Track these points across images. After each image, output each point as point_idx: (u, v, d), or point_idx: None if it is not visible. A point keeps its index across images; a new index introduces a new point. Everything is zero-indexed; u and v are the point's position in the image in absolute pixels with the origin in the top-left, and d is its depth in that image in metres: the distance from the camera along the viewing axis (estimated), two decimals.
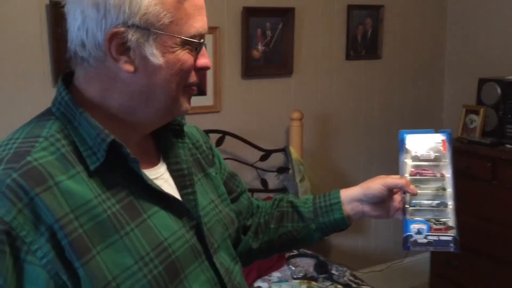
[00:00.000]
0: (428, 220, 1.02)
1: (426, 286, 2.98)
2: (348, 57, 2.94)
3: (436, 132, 1.11)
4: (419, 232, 1.01)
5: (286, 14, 2.63)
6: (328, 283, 2.18)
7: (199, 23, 0.84)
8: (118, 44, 0.80)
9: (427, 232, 1.01)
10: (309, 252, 2.47)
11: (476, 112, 2.75)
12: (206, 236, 0.93)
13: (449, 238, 1.01)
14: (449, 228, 1.02)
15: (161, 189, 0.87)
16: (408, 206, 1.04)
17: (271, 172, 2.64)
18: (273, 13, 2.61)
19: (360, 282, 2.26)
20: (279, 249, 1.18)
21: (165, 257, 0.83)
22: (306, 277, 2.23)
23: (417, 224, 1.01)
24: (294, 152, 2.59)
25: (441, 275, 2.84)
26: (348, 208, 1.11)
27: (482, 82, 2.76)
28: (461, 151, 2.67)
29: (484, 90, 2.74)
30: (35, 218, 0.74)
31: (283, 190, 2.62)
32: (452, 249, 1.02)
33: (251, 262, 1.18)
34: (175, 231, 0.87)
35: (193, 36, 0.83)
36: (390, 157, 3.18)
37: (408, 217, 1.03)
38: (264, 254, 1.18)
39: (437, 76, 3.30)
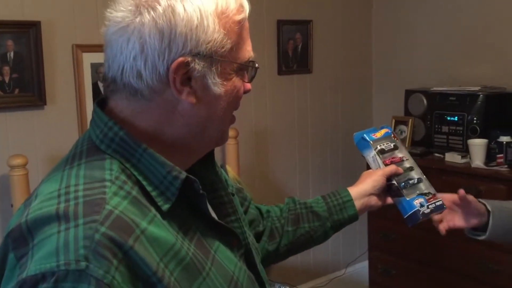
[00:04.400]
0: (422, 194, 1.19)
1: None
2: (280, 72, 2.94)
3: (379, 128, 1.30)
4: (421, 205, 1.17)
5: None
6: None
7: (250, 47, 0.83)
8: (182, 74, 0.74)
9: (426, 203, 1.18)
10: None
11: (405, 123, 2.83)
12: (257, 263, 0.92)
13: (440, 202, 1.21)
14: (435, 195, 1.21)
15: (221, 222, 0.84)
16: (401, 188, 1.19)
17: None
18: None
19: None
20: (297, 250, 1.21)
21: None
22: None
23: (417, 199, 1.18)
24: (231, 171, 2.53)
25: (380, 284, 2.88)
26: (358, 204, 1.20)
27: (408, 93, 2.85)
28: None
29: (411, 101, 2.83)
30: (131, 274, 0.66)
31: None
32: (445, 208, 1.23)
33: (268, 266, 1.18)
34: (236, 263, 0.84)
35: (248, 61, 0.81)
36: (324, 168, 3.24)
37: (407, 197, 1.18)
38: (282, 257, 1.20)
39: (366, 89, 3.38)
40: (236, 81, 0.80)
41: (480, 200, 1.32)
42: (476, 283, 2.39)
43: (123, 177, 0.74)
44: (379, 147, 1.24)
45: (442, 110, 2.65)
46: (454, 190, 2.44)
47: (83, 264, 0.63)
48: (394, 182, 1.19)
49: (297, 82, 3.03)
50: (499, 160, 2.35)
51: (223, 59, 0.77)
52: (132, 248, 0.66)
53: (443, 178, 2.50)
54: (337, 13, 3.16)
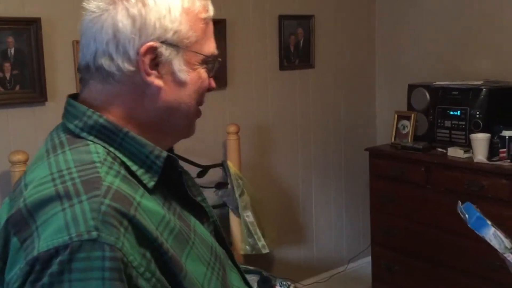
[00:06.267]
0: None
1: None
2: (281, 67, 2.93)
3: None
4: None
5: (217, 26, 2.56)
6: None
7: (213, 44, 0.89)
8: (150, 58, 0.81)
9: None
10: (252, 268, 2.41)
11: (408, 118, 2.81)
12: (225, 238, 1.00)
13: None
14: None
15: (196, 199, 0.92)
16: None
17: (210, 189, 2.56)
18: None
19: None
20: None
21: (219, 260, 0.89)
22: None
23: None
24: (232, 167, 2.53)
25: (382, 279, 2.87)
26: None
27: (411, 88, 2.83)
28: (395, 157, 2.72)
29: (414, 96, 2.81)
30: (137, 240, 0.72)
31: (222, 206, 2.56)
32: None
33: None
34: (210, 237, 0.91)
35: (210, 56, 0.88)
36: (327, 164, 3.23)
37: None
38: None
39: (369, 83, 3.36)
40: (201, 72, 0.87)
41: None
42: (479, 279, 2.37)
43: (109, 159, 0.79)
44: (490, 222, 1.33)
45: (445, 104, 2.63)
46: (456, 185, 2.43)
47: (94, 233, 0.68)
48: None
49: (299, 77, 3.02)
50: (502, 155, 2.33)
51: (188, 49, 0.84)
52: (134, 216, 0.72)
53: (445, 173, 2.49)
54: (339, 7, 3.14)
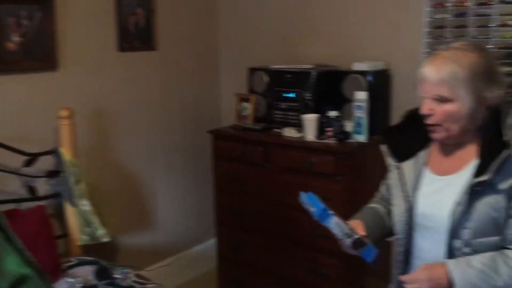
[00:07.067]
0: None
1: (214, 271, 3.07)
2: (121, 48, 2.81)
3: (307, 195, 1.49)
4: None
5: (44, 2, 2.38)
6: None
7: None
8: None
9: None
10: (90, 258, 2.31)
11: (248, 100, 2.90)
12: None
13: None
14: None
15: None
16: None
17: (41, 178, 2.39)
18: (28, 0, 2.34)
19: (145, 281, 2.20)
20: None
21: None
22: (85, 287, 2.08)
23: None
24: (66, 153, 2.38)
25: (228, 258, 2.95)
26: None
27: (251, 71, 2.92)
28: (236, 138, 2.79)
29: (254, 79, 2.90)
30: None
31: (56, 196, 2.40)
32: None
33: None
34: None
35: None
36: (174, 147, 3.20)
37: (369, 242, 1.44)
38: None
39: (213, 66, 3.39)
40: None
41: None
42: (312, 248, 2.54)
43: None
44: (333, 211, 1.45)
45: (281, 87, 2.76)
46: (291, 163, 2.57)
47: None
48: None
49: (141, 59, 2.93)
50: (328, 134, 2.51)
51: None
52: None
53: (281, 152, 2.62)
54: None
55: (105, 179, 2.74)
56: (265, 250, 2.77)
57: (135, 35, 2.89)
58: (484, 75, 1.35)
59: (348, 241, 1.42)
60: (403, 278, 1.39)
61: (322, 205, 1.44)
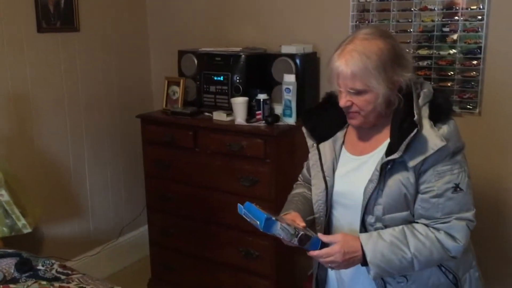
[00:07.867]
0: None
1: (147, 259, 3.03)
2: (40, 29, 2.67)
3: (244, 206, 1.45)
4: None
5: None
6: (30, 281, 1.97)
7: None
8: None
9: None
10: (10, 251, 2.20)
11: (177, 83, 2.84)
12: None
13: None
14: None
15: None
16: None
17: None
18: None
19: (70, 272, 2.12)
20: None
21: None
22: (5, 280, 1.98)
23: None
24: None
25: (159, 244, 2.91)
26: None
27: (181, 54, 2.86)
28: (166, 123, 2.74)
29: (183, 62, 2.84)
30: None
31: None
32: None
33: None
34: None
35: None
36: (101, 130, 3.08)
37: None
38: None
39: (142, 49, 3.30)
40: None
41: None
42: (243, 231, 2.56)
43: None
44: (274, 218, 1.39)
45: (210, 70, 2.72)
46: (222, 147, 2.55)
47: None
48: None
49: (63, 41, 2.79)
50: (258, 117, 2.51)
51: None
52: None
53: (211, 136, 2.59)
54: None
55: (26, 168, 2.61)
56: (196, 234, 2.75)
57: (56, 15, 2.74)
58: (392, 60, 1.38)
59: (295, 241, 1.41)
60: (318, 253, 1.41)
61: (264, 215, 1.38)
